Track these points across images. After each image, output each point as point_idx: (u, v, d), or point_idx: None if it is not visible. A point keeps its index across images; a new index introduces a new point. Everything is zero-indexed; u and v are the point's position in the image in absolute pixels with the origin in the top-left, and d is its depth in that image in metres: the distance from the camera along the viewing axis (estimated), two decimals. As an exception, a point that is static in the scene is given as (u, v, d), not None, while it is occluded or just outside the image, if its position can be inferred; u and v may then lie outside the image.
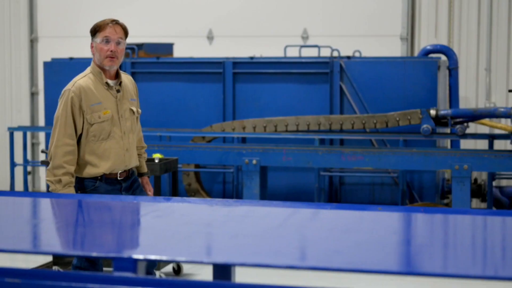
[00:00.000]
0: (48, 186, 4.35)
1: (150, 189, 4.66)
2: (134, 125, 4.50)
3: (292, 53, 8.63)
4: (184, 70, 8.35)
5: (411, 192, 7.94)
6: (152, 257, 2.36)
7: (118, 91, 4.39)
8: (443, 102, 8.07)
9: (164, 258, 2.47)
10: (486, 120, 7.93)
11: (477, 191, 8.03)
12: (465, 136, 7.48)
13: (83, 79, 4.33)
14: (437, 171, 7.82)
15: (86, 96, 4.28)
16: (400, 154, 7.07)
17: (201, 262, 2.38)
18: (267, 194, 7.60)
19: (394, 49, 9.21)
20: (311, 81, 8.09)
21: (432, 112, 7.42)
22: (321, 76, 8.05)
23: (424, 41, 9.18)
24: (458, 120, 7.45)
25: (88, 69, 4.40)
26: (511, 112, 6.97)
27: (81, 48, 8.45)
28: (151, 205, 3.51)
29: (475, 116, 7.37)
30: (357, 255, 2.44)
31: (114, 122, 4.35)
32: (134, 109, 4.48)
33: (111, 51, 4.29)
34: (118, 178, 4.39)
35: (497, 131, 8.30)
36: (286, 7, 9.60)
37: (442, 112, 7.41)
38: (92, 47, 4.37)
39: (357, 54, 8.63)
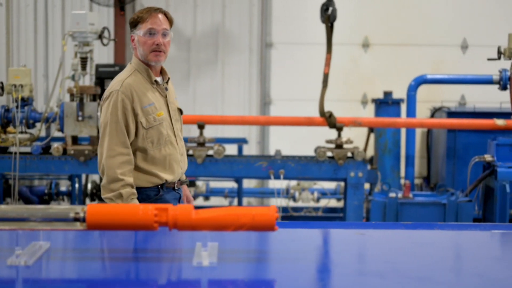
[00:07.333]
0: None
1: (191, 199, 4.06)
2: (182, 126, 3.96)
3: None
4: None
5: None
6: None
7: (166, 89, 3.83)
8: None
9: None
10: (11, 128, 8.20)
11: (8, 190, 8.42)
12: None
13: (131, 78, 3.69)
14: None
15: (138, 97, 3.66)
16: None
17: None
18: None
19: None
20: None
21: None
22: None
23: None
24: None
25: (131, 66, 3.76)
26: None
27: None
28: None
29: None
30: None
31: (168, 125, 3.77)
32: (181, 108, 3.97)
33: (157, 44, 3.68)
34: (175, 188, 3.83)
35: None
36: None
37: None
38: (133, 40, 3.74)
39: None
